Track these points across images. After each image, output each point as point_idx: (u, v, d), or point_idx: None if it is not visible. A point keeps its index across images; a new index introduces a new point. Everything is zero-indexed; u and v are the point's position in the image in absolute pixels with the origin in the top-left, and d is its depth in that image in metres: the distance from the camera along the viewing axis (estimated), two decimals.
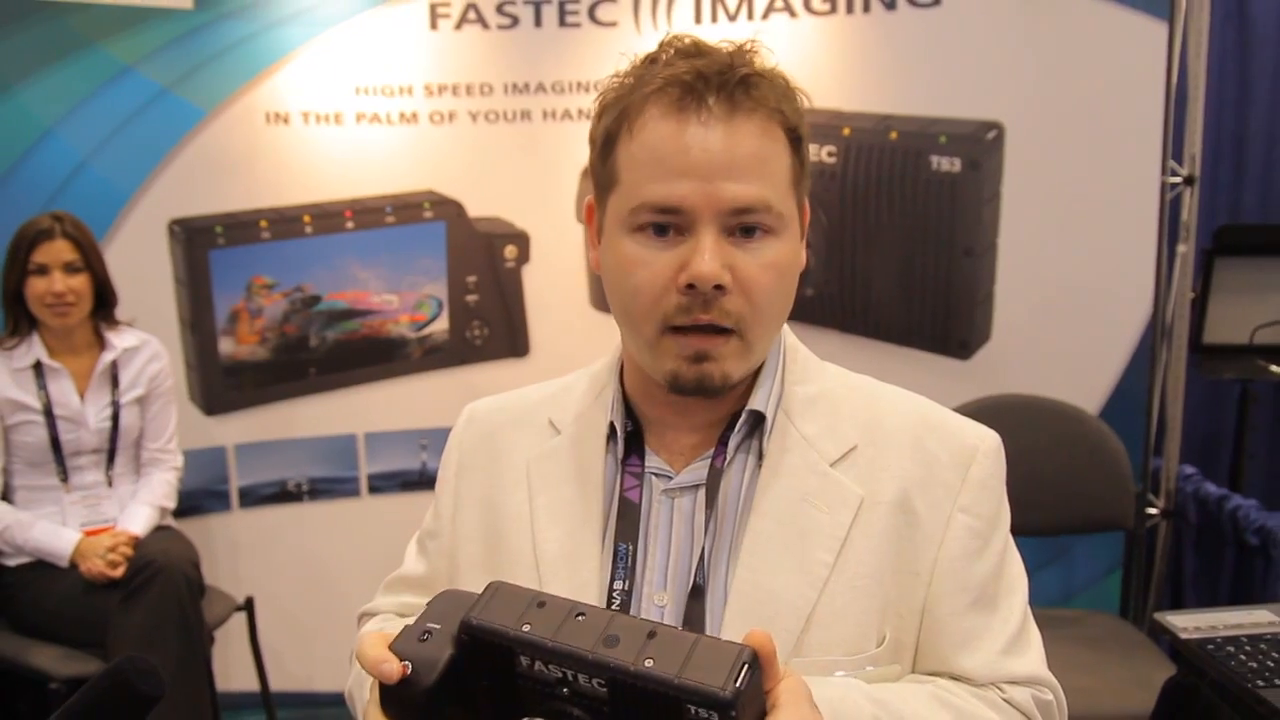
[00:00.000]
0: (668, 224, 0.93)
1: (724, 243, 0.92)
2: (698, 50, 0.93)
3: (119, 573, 2.47)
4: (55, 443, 2.62)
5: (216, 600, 2.79)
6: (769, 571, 0.96)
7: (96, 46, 2.81)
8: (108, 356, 2.68)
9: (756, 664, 0.68)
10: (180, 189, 2.94)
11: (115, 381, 2.69)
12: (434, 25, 3.00)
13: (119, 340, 2.71)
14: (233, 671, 2.89)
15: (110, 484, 2.69)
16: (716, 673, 0.66)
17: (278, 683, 2.95)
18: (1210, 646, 1.81)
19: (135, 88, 2.86)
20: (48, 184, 2.84)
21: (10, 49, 2.76)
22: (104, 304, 2.69)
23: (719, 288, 0.91)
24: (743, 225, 0.93)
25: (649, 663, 0.68)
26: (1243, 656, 1.77)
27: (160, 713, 2.60)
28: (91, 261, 2.63)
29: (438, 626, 0.77)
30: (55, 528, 2.57)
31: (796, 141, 0.96)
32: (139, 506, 2.68)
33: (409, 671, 0.75)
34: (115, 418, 2.68)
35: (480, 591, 0.77)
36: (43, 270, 2.57)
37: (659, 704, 0.67)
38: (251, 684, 2.86)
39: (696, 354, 0.94)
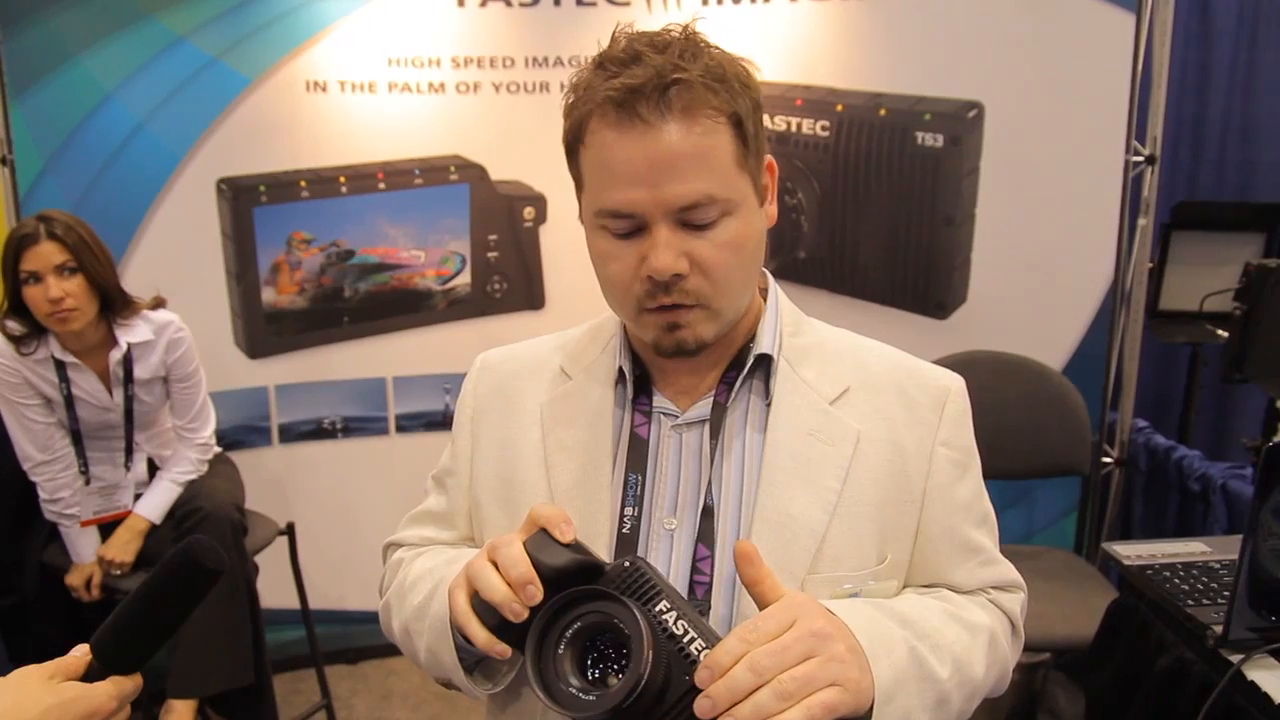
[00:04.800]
0: (627, 226, 0.96)
1: (679, 233, 0.94)
2: (632, 58, 0.93)
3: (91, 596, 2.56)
4: (76, 435, 2.53)
5: (261, 525, 2.84)
6: (787, 499, 1.00)
7: (152, 18, 2.82)
8: (115, 355, 2.49)
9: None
10: (227, 151, 2.96)
11: (130, 376, 2.52)
12: (461, 2, 3.02)
13: (127, 336, 2.49)
14: (275, 590, 2.96)
15: (127, 470, 2.63)
16: None
17: (314, 601, 3.01)
18: (1149, 572, 1.88)
19: (187, 57, 2.87)
20: (108, 144, 2.85)
21: (75, 20, 2.76)
22: (109, 305, 2.44)
23: (678, 275, 0.95)
24: (692, 219, 0.95)
25: None
26: (1176, 580, 1.84)
27: (205, 641, 2.61)
28: (84, 261, 2.35)
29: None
30: (91, 542, 2.57)
31: (739, 123, 0.95)
32: (160, 484, 2.63)
33: (576, 540, 0.86)
34: (129, 412, 2.56)
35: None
36: (36, 278, 2.32)
37: None
38: (292, 601, 2.93)
39: (669, 325, 0.98)
